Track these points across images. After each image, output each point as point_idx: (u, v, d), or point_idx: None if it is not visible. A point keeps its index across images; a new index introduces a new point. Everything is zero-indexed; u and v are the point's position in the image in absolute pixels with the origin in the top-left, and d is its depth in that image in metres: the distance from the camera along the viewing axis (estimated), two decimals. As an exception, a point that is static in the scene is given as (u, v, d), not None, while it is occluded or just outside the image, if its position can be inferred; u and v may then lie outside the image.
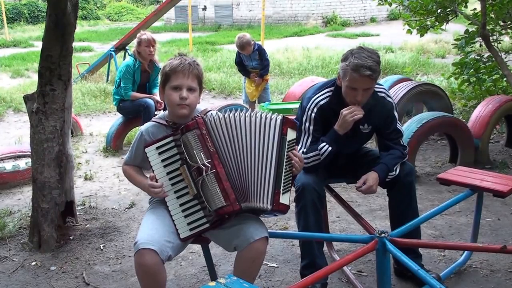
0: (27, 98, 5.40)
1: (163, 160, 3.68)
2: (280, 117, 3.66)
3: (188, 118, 3.79)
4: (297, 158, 3.69)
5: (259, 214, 3.77)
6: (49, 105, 5.23)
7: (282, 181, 3.59)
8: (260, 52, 10.17)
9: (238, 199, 3.51)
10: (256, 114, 3.65)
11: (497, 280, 4.57)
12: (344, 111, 4.16)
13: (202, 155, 3.52)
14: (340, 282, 4.65)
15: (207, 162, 3.50)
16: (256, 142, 3.61)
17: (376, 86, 4.32)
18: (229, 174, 3.55)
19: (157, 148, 3.68)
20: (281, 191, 3.57)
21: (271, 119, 3.64)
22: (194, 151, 3.53)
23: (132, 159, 3.99)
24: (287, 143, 3.63)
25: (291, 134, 3.67)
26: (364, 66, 3.97)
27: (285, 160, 3.61)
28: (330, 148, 4.26)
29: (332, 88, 4.39)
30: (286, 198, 3.63)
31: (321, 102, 4.35)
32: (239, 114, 3.65)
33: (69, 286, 4.77)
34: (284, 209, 3.62)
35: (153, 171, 3.71)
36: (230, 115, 3.64)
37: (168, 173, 3.68)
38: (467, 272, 4.73)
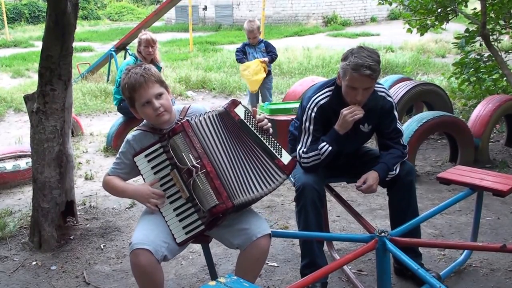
0: (27, 98, 5.40)
1: (153, 168, 3.72)
2: (220, 109, 3.72)
3: (170, 121, 3.82)
4: (262, 123, 3.72)
5: (257, 201, 3.78)
6: (49, 105, 5.23)
7: (272, 149, 3.65)
8: (267, 46, 10.14)
9: (230, 197, 3.52)
10: (214, 111, 3.71)
11: (497, 279, 4.58)
12: (344, 111, 4.16)
13: (191, 156, 3.53)
14: (340, 281, 4.66)
15: (196, 163, 3.51)
16: (230, 136, 3.67)
17: (376, 85, 4.33)
18: (220, 173, 3.57)
19: (146, 156, 3.72)
20: (279, 156, 3.65)
21: (222, 113, 3.70)
22: (183, 154, 3.55)
23: (119, 169, 3.95)
24: (246, 121, 3.68)
25: (241, 110, 3.71)
26: (364, 65, 3.98)
27: (258, 134, 3.67)
28: (330, 148, 4.26)
29: (332, 88, 4.39)
30: (286, 156, 3.69)
31: (321, 102, 4.35)
32: (211, 114, 3.69)
33: (69, 285, 4.78)
34: (294, 164, 3.71)
35: (144, 179, 3.73)
36: (213, 114, 3.68)
37: (159, 180, 3.71)
38: (467, 271, 4.74)
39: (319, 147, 4.28)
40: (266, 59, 9.94)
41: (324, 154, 4.28)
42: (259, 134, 3.67)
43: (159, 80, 3.77)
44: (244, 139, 3.66)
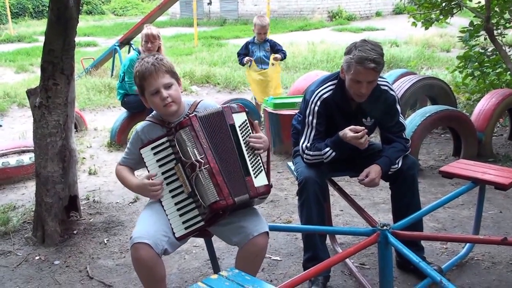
0: (30, 93, 5.41)
1: (158, 160, 3.72)
2: (219, 108, 3.71)
3: (178, 113, 3.83)
4: (254, 139, 3.67)
5: (251, 205, 3.77)
6: (52, 99, 5.24)
7: (250, 165, 3.61)
8: (273, 45, 9.95)
9: (231, 194, 3.51)
10: (215, 110, 3.70)
11: (499, 272, 4.59)
12: (349, 134, 4.13)
13: (196, 151, 3.53)
14: (343, 274, 4.67)
15: (200, 158, 3.51)
16: (223, 137, 3.65)
17: (379, 79, 4.32)
18: (222, 169, 3.56)
19: (152, 148, 3.72)
20: (253, 175, 3.59)
21: (219, 113, 3.68)
22: (188, 148, 3.54)
23: (128, 160, 3.99)
24: (238, 129, 3.66)
25: (239, 118, 3.70)
26: (368, 58, 3.99)
27: (244, 146, 3.64)
28: (334, 154, 4.28)
29: (335, 81, 4.40)
30: (263, 179, 3.63)
31: (325, 95, 4.35)
32: (214, 111, 3.69)
33: (72, 280, 4.80)
34: (265, 190, 3.63)
35: (148, 171, 3.73)
36: (208, 113, 3.67)
37: (163, 173, 3.71)
38: (469, 264, 4.75)
39: (323, 152, 4.30)
40: (278, 56, 9.77)
41: (328, 159, 4.31)
42: (244, 147, 3.64)
43: (170, 71, 3.78)
44: (228, 144, 3.63)
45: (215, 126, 3.64)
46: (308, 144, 4.36)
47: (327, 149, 4.28)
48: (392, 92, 4.42)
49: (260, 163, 3.67)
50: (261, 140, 3.71)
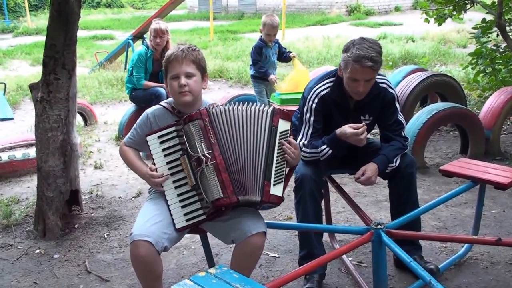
0: (32, 87, 5.43)
1: (164, 150, 3.70)
2: (271, 108, 3.65)
3: (193, 107, 3.82)
4: (291, 146, 3.65)
5: (255, 207, 3.75)
6: (53, 94, 5.26)
7: (273, 172, 3.57)
8: (280, 47, 9.10)
9: (235, 192, 3.50)
10: (251, 107, 3.65)
11: (497, 272, 4.55)
12: (349, 131, 4.12)
13: (203, 145, 3.52)
14: (340, 272, 4.66)
15: (207, 153, 3.50)
16: (250, 135, 3.61)
17: (378, 77, 4.30)
18: (228, 167, 3.54)
19: (159, 137, 3.70)
20: (272, 183, 3.55)
21: (262, 111, 3.63)
22: (196, 141, 3.53)
23: (133, 140, 4.01)
24: (278, 134, 3.61)
25: (283, 125, 3.65)
26: (366, 57, 3.95)
27: (276, 151, 3.60)
28: (330, 151, 4.26)
29: (333, 79, 4.37)
30: (279, 190, 3.59)
31: (322, 93, 4.34)
32: (239, 107, 3.65)
33: (70, 274, 4.82)
34: (276, 200, 3.59)
35: (153, 160, 3.72)
36: (232, 108, 3.65)
37: (168, 163, 3.69)
38: (467, 264, 4.71)
39: (319, 149, 4.28)
40: (291, 54, 8.90)
41: (324, 156, 4.29)
42: (276, 153, 3.61)
43: (198, 63, 3.80)
44: (256, 143, 3.61)
45: (238, 122, 3.62)
46: (305, 142, 4.34)
47: (324, 146, 4.26)
48: (391, 90, 4.39)
49: (283, 174, 3.65)
50: (296, 152, 3.70)
